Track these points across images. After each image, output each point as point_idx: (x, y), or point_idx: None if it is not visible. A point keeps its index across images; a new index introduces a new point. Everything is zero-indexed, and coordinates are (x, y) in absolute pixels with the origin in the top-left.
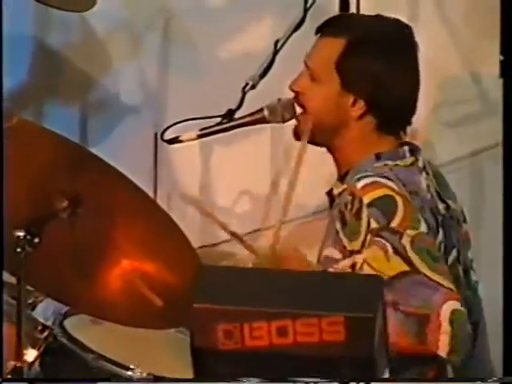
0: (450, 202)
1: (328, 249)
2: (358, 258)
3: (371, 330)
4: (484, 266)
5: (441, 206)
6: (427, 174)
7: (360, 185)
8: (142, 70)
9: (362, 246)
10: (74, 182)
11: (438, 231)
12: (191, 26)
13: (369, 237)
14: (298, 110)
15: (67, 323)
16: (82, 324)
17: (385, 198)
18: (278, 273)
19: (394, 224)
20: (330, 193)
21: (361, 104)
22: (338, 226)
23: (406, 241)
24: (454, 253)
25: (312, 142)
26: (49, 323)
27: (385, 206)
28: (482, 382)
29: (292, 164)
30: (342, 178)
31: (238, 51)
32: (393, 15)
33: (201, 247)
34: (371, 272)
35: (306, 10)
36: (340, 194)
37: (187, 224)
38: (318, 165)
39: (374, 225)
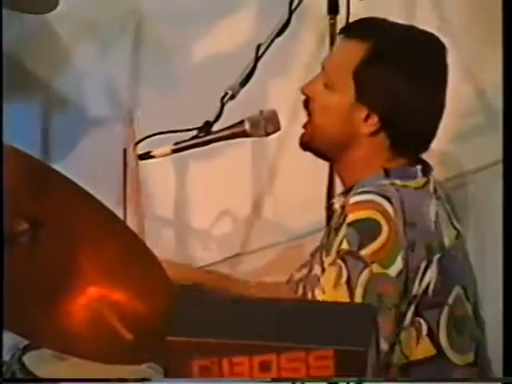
0: (458, 227)
1: (315, 266)
2: (323, 278)
3: (363, 364)
4: (484, 267)
5: (447, 239)
6: (438, 198)
7: (352, 200)
8: (110, 78)
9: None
10: (35, 202)
11: (422, 275)
12: (164, 30)
13: (333, 257)
14: (305, 116)
15: (27, 359)
16: (43, 359)
17: (369, 220)
18: (261, 301)
19: (363, 251)
20: (329, 207)
21: (374, 120)
22: (325, 239)
23: (365, 275)
24: (458, 290)
25: (316, 153)
26: (6, 359)
27: (365, 230)
28: (481, 382)
29: (277, 182)
30: (345, 192)
31: (216, 58)
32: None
33: None
34: (320, 296)
35: (291, 12)
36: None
37: (161, 247)
38: (306, 185)
39: (344, 245)
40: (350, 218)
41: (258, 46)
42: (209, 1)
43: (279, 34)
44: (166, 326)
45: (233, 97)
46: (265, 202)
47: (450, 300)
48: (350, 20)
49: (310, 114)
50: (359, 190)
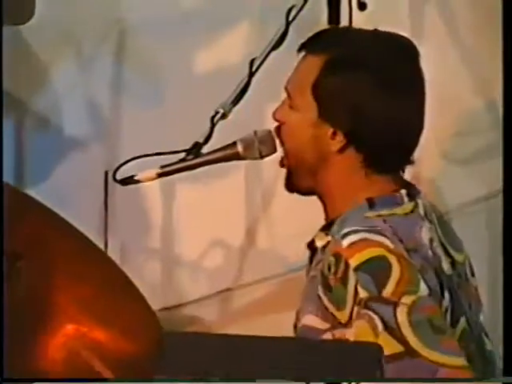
0: (455, 256)
1: (308, 316)
2: (349, 333)
3: None
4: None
5: (445, 265)
6: (430, 222)
7: (346, 243)
8: (90, 95)
9: (350, 318)
10: (9, 232)
11: (442, 295)
12: (150, 43)
13: (356, 308)
14: (278, 143)
15: None
16: None
17: (376, 259)
18: (253, 339)
19: (386, 292)
20: (310, 245)
21: (340, 136)
22: (321, 291)
23: (401, 312)
24: (463, 320)
25: (296, 189)
26: None
27: (375, 269)
28: (482, 381)
29: (273, 208)
30: (326, 227)
31: (207, 73)
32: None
33: (162, 309)
34: None
35: (288, 23)
36: (324, 247)
37: (146, 281)
38: (305, 211)
39: (362, 294)
40: (353, 262)
41: (252, 61)
42: (198, 11)
43: (275, 47)
44: (152, 367)
45: (224, 116)
46: (260, 230)
47: (458, 331)
48: None
49: (282, 143)
50: (346, 230)
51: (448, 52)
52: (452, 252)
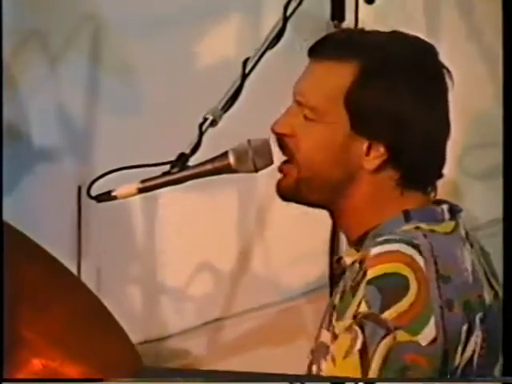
0: (497, 289)
1: (323, 332)
2: (333, 347)
3: None
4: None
5: (488, 295)
6: (471, 245)
7: (375, 252)
8: (61, 102)
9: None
10: None
11: (465, 341)
12: (127, 42)
13: (350, 321)
14: (282, 157)
15: None
16: None
17: (395, 276)
18: (245, 376)
19: (387, 314)
20: (338, 262)
21: (379, 151)
22: (337, 299)
23: (385, 344)
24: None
25: (305, 202)
26: None
27: (388, 287)
28: (482, 382)
29: (269, 229)
30: (357, 243)
31: (193, 75)
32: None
33: (144, 342)
34: (329, 364)
35: (286, 18)
36: (353, 263)
37: (125, 310)
38: (303, 233)
39: (362, 308)
40: (371, 273)
41: (245, 61)
42: (183, 5)
43: (271, 45)
44: None
45: (214, 123)
46: (253, 254)
47: (497, 372)
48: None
49: (290, 156)
50: (381, 239)
51: (465, 50)
52: (494, 284)
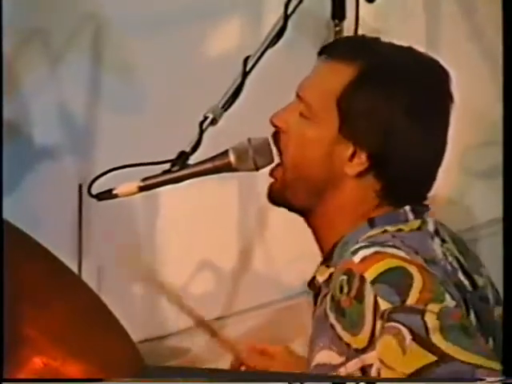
0: (476, 278)
1: (321, 353)
2: (369, 358)
3: None
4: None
5: (465, 281)
6: (442, 240)
7: (358, 258)
8: (62, 101)
9: (371, 337)
10: None
11: (468, 310)
12: (129, 41)
13: (379, 323)
14: (276, 153)
15: None
16: None
17: (393, 270)
18: (246, 375)
19: (410, 300)
20: (312, 283)
21: (362, 158)
22: (333, 317)
23: (430, 319)
24: (491, 342)
25: (289, 207)
26: None
27: (395, 279)
28: (482, 381)
29: (270, 227)
30: (327, 259)
31: (193, 74)
32: (406, 31)
33: (144, 341)
34: (388, 373)
35: (286, 17)
36: (327, 280)
37: (126, 309)
38: (304, 231)
39: (383, 306)
40: (369, 275)
41: (246, 59)
42: (184, 4)
43: (272, 44)
44: None
45: (214, 122)
46: (254, 252)
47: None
48: (359, 27)
49: (281, 153)
50: (354, 248)
51: (466, 49)
52: (471, 273)
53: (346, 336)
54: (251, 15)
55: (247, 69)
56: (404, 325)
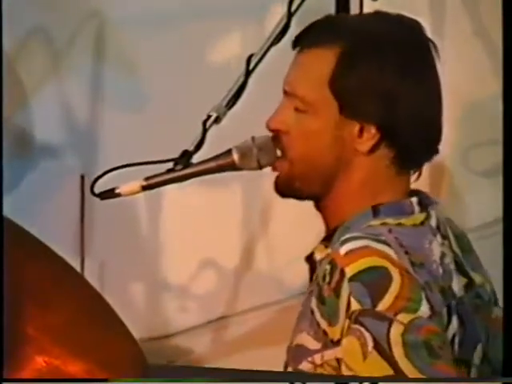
0: (474, 276)
1: (301, 335)
2: (338, 352)
3: None
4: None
5: (457, 285)
6: (443, 237)
7: (344, 250)
8: (65, 99)
9: (341, 334)
10: None
11: (449, 319)
12: (132, 40)
13: (347, 323)
14: (279, 154)
15: None
16: None
17: (374, 269)
18: (249, 374)
19: (381, 306)
20: (309, 259)
21: (371, 132)
22: (314, 303)
23: (395, 330)
24: (480, 350)
25: (299, 196)
26: None
27: (373, 280)
28: (482, 381)
29: (273, 226)
30: (327, 239)
31: (197, 72)
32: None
33: (147, 340)
34: (348, 373)
35: (290, 15)
36: (323, 260)
37: (128, 307)
38: (307, 230)
39: (354, 306)
40: (349, 271)
41: (250, 58)
42: (186, 1)
43: (276, 41)
44: None
45: (218, 120)
46: (257, 251)
47: (476, 359)
48: None
49: (283, 151)
50: (346, 237)
51: (471, 46)
52: (470, 272)
53: (323, 324)
54: (255, 13)
55: (250, 67)
56: (368, 330)
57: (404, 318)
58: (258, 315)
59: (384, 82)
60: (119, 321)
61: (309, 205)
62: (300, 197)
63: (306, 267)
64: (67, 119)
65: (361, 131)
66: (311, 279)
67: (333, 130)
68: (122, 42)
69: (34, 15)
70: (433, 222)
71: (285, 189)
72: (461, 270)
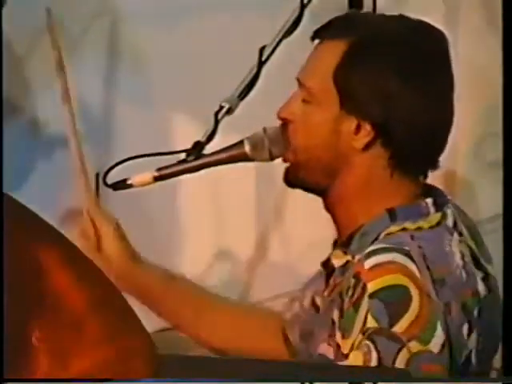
0: (488, 268)
1: (322, 345)
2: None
3: None
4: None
5: (481, 285)
6: (460, 234)
7: (368, 265)
8: (78, 91)
9: (351, 348)
10: None
11: (465, 342)
12: (145, 32)
13: (359, 337)
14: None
15: None
16: None
17: (396, 288)
18: (261, 364)
19: (397, 328)
20: (326, 264)
21: (367, 129)
22: (336, 314)
23: (402, 357)
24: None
25: (304, 188)
26: None
27: (392, 299)
28: (482, 382)
29: (287, 216)
30: (345, 245)
31: (209, 64)
32: (422, 17)
33: (160, 331)
34: None
35: (303, 6)
36: (343, 266)
37: None
38: (322, 220)
39: (370, 323)
40: (371, 287)
41: (262, 49)
42: None
43: (288, 33)
44: None
45: (230, 111)
46: (271, 242)
47: (497, 363)
48: None
49: (289, 141)
50: (370, 249)
51: (484, 39)
52: (485, 264)
53: (338, 336)
54: (267, 5)
55: (263, 58)
56: (376, 349)
57: (414, 346)
58: (273, 305)
59: (384, 83)
60: (131, 310)
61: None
62: (306, 187)
63: (319, 258)
64: (81, 111)
65: (358, 128)
66: (327, 284)
67: (332, 123)
68: (134, 36)
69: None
70: (449, 221)
71: (291, 178)
72: (478, 265)
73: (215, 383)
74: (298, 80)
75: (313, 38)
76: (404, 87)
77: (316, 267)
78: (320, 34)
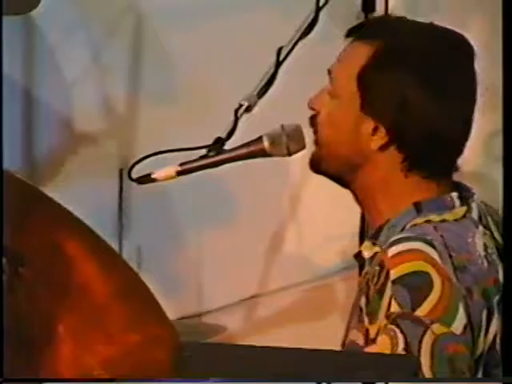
0: None
1: (353, 331)
2: (373, 349)
3: None
4: None
5: (501, 275)
6: (484, 227)
7: (391, 252)
8: (103, 89)
9: (377, 332)
10: (17, 231)
11: (486, 328)
12: (168, 31)
13: (384, 322)
14: (312, 134)
15: None
16: None
17: (418, 274)
18: (280, 351)
19: (420, 312)
20: (358, 256)
21: (382, 132)
22: (363, 301)
23: (427, 339)
24: None
25: (327, 176)
26: None
27: (414, 284)
28: (482, 381)
29: (301, 209)
30: (374, 236)
31: (230, 63)
32: (433, 19)
33: (181, 318)
34: None
35: (318, 9)
36: (372, 258)
37: (163, 287)
38: (335, 213)
39: (394, 308)
40: (394, 273)
41: (280, 49)
42: None
43: (304, 34)
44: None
45: (249, 109)
46: (287, 234)
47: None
48: None
49: (316, 131)
50: (394, 238)
51: (496, 40)
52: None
53: (366, 321)
54: (285, 7)
55: (280, 59)
56: (402, 332)
57: (437, 329)
58: (287, 295)
59: (405, 89)
60: (154, 299)
61: (338, 189)
62: (327, 176)
63: (333, 249)
64: (106, 107)
65: (374, 130)
66: (360, 275)
67: (353, 122)
68: (159, 35)
69: (76, 11)
70: (474, 215)
71: (314, 167)
72: (501, 258)
73: (221, 383)
74: (329, 72)
75: (346, 36)
76: (423, 97)
77: (329, 258)
78: (353, 32)
